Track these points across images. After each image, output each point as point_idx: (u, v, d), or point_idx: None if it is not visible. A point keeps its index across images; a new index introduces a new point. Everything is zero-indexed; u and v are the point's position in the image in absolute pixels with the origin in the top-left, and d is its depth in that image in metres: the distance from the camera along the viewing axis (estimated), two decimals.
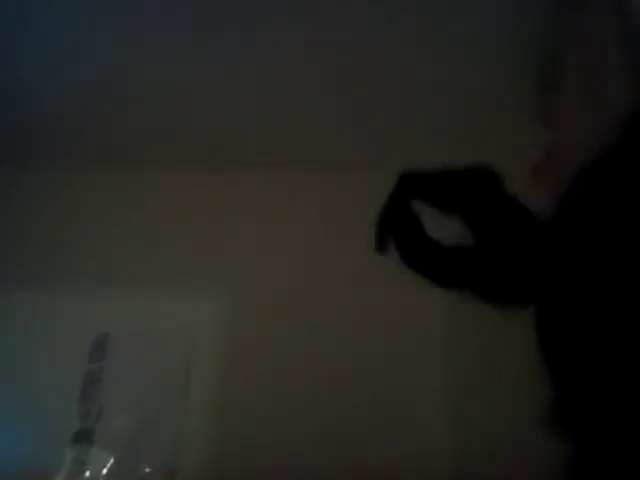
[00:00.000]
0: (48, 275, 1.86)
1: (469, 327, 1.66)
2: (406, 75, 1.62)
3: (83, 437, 1.64)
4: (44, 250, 1.90)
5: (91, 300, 1.79)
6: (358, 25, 1.47)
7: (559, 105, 1.27)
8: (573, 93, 1.20)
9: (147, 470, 1.60)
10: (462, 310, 1.70)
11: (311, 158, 1.94)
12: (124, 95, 1.73)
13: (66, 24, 1.51)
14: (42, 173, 1.96)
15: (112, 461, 1.62)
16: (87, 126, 1.85)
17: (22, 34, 1.53)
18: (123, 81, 1.68)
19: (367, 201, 2.07)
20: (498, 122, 1.65)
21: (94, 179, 1.99)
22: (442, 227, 0.79)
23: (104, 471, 1.61)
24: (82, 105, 1.78)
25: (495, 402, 1.51)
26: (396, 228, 0.82)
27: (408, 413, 1.67)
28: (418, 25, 1.46)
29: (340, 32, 1.49)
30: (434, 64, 1.58)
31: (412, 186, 0.82)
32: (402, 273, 2.01)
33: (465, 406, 1.61)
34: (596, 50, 1.17)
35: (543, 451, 1.33)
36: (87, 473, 1.61)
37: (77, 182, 1.99)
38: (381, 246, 0.83)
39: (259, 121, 1.82)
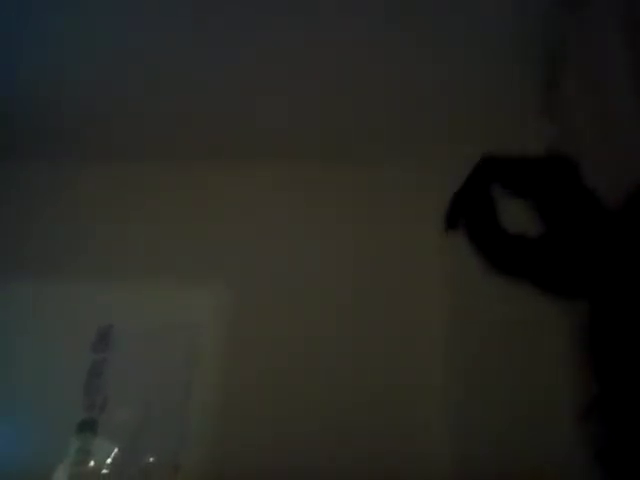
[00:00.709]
0: (49, 272, 1.86)
1: (470, 327, 1.66)
2: (406, 75, 1.62)
3: (87, 427, 1.65)
4: (45, 249, 1.90)
5: (93, 298, 1.79)
6: (358, 25, 1.47)
7: (560, 105, 1.27)
8: (573, 93, 1.20)
9: (151, 460, 1.61)
10: (463, 310, 1.70)
11: (311, 158, 1.94)
12: (124, 95, 1.73)
13: (66, 24, 1.51)
14: (42, 173, 1.97)
15: (116, 451, 1.62)
16: (87, 126, 1.85)
17: (22, 34, 1.53)
18: (123, 81, 1.68)
19: (367, 201, 2.09)
20: (499, 122, 1.65)
21: (94, 178, 1.99)
22: (515, 214, 0.79)
23: (108, 461, 1.61)
24: (82, 105, 1.78)
25: (495, 402, 1.51)
26: (470, 209, 0.82)
27: (408, 413, 1.67)
28: (418, 25, 1.46)
29: (340, 32, 1.49)
30: (434, 64, 1.57)
31: (492, 169, 0.82)
32: (403, 272, 2.01)
33: (465, 406, 1.61)
34: (596, 50, 1.17)
35: (543, 451, 1.33)
36: (91, 463, 1.61)
37: (77, 181, 1.99)
38: (451, 224, 0.83)
39: (259, 120, 1.82)
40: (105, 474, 1.60)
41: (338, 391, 1.69)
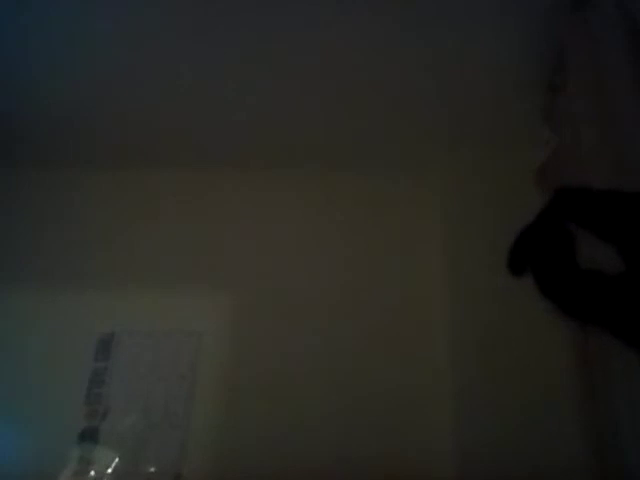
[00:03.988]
0: (50, 281, 1.86)
1: (471, 327, 1.66)
2: (406, 74, 1.62)
3: (88, 436, 1.65)
4: (44, 251, 1.90)
5: (94, 306, 1.80)
6: (358, 27, 1.47)
7: (563, 106, 1.27)
8: (574, 95, 1.20)
9: (152, 470, 1.61)
10: (464, 310, 1.70)
11: (311, 158, 1.94)
12: (124, 95, 1.73)
13: (66, 24, 1.51)
14: (42, 173, 1.96)
15: (117, 460, 1.62)
16: (87, 126, 1.85)
17: (22, 34, 1.53)
18: (123, 81, 1.68)
19: (367, 202, 2.09)
20: (501, 123, 1.65)
21: (94, 179, 1.99)
22: (597, 256, 0.67)
23: (109, 470, 1.61)
24: (82, 105, 1.77)
25: (496, 402, 1.52)
26: (541, 249, 0.70)
27: (409, 413, 1.68)
28: (419, 26, 1.46)
29: (339, 34, 1.49)
30: (434, 66, 1.57)
31: (569, 205, 0.70)
32: (403, 274, 2.01)
33: (465, 406, 1.61)
34: (599, 50, 1.17)
35: (543, 451, 1.33)
36: (92, 472, 1.61)
37: (77, 182, 1.99)
38: (517, 267, 0.71)
39: (259, 121, 1.81)
40: None
41: (338, 393, 1.69)
